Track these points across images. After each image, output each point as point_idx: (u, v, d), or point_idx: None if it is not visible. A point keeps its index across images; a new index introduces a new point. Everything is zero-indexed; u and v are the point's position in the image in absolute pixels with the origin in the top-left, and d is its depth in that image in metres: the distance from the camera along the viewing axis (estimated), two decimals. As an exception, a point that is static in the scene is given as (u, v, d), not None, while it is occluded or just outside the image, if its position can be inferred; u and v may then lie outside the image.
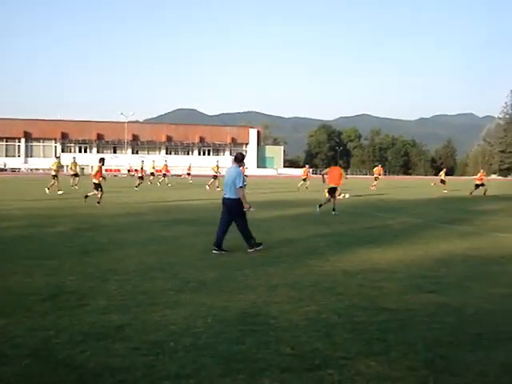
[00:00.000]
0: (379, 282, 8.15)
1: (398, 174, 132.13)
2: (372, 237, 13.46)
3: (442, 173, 42.43)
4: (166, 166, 44.77)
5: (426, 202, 28.33)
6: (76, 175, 34.21)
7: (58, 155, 41.10)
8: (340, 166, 21.80)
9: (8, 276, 8.21)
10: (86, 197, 22.40)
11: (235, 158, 11.30)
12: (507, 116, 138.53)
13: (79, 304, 6.66)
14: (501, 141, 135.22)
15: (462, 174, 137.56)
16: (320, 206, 19.78)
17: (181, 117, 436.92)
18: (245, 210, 10.82)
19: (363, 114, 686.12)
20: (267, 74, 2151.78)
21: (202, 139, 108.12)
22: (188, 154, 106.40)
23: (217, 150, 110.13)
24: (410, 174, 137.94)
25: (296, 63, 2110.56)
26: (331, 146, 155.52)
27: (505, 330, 5.91)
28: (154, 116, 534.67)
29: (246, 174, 22.78)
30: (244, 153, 11.64)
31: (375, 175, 43.87)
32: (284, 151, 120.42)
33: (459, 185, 54.89)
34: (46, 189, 28.91)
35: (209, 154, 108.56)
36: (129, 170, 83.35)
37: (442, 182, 40.70)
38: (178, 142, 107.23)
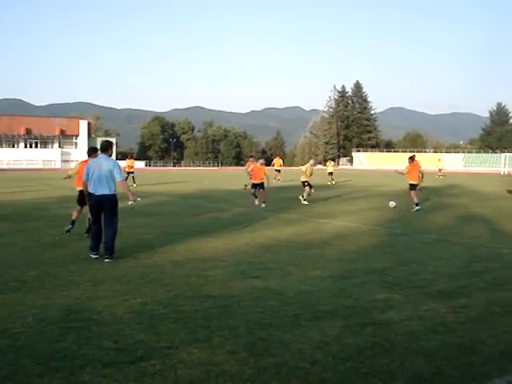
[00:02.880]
0: (206, 271, 8.32)
1: (230, 165, 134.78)
2: (201, 227, 13.65)
3: (329, 164, 40.35)
4: None
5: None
6: None
7: None
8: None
9: None
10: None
11: (101, 147, 9.76)
12: (331, 110, 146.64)
13: None
14: (325, 133, 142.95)
15: (291, 165, 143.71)
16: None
17: (5, 107, 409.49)
18: (132, 202, 9.75)
19: (196, 107, 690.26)
20: (98, 62, 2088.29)
21: (28, 131, 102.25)
22: (13, 146, 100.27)
23: (45, 143, 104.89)
24: (242, 165, 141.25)
25: (127, 52, 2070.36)
26: (165, 138, 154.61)
27: (320, 309, 6.31)
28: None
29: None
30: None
31: (276, 167, 40.12)
32: (116, 143, 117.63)
33: (291, 175, 57.22)
34: None
35: (36, 147, 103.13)
36: None
37: (330, 173, 38.69)
38: (1, 134, 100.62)
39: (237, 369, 4.54)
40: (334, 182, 37.43)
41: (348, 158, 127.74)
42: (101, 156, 9.72)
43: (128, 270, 8.38)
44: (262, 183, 20.52)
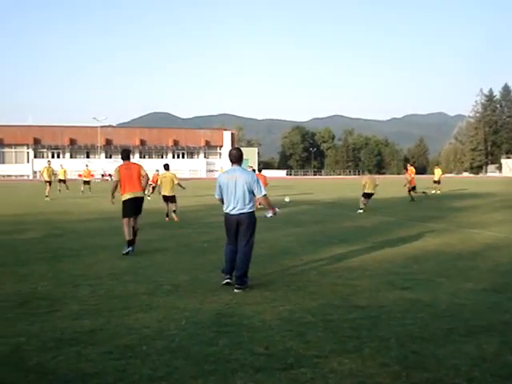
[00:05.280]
0: (352, 280, 8.20)
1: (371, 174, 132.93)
2: (345, 235, 13.54)
3: (436, 172, 37.28)
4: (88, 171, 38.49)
5: (399, 200, 28.52)
6: (49, 182, 30.66)
7: (48, 160, 37.57)
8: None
9: (-22, 284, 8.08)
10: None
11: (235, 157, 8.03)
12: (477, 114, 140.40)
13: (51, 310, 6.59)
14: (471, 139, 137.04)
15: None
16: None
17: (154, 120, 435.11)
18: (271, 214, 8.51)
19: (336, 115, 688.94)
20: (240, 76, 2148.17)
21: (175, 142, 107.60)
22: (162, 157, 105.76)
23: (191, 153, 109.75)
24: (383, 174, 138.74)
25: (268, 64, 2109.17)
26: (305, 147, 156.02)
27: (475, 324, 5.98)
28: (128, 120, 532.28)
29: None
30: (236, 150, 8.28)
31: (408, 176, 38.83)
32: (258, 153, 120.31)
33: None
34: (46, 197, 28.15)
35: (183, 157, 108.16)
36: (103, 175, 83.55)
37: (437, 182, 36.09)
38: (151, 146, 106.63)
39: (389, 382, 4.40)
40: (438, 192, 34.31)
41: (497, 165, 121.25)
42: (235, 168, 8.03)
43: (275, 277, 8.48)
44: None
